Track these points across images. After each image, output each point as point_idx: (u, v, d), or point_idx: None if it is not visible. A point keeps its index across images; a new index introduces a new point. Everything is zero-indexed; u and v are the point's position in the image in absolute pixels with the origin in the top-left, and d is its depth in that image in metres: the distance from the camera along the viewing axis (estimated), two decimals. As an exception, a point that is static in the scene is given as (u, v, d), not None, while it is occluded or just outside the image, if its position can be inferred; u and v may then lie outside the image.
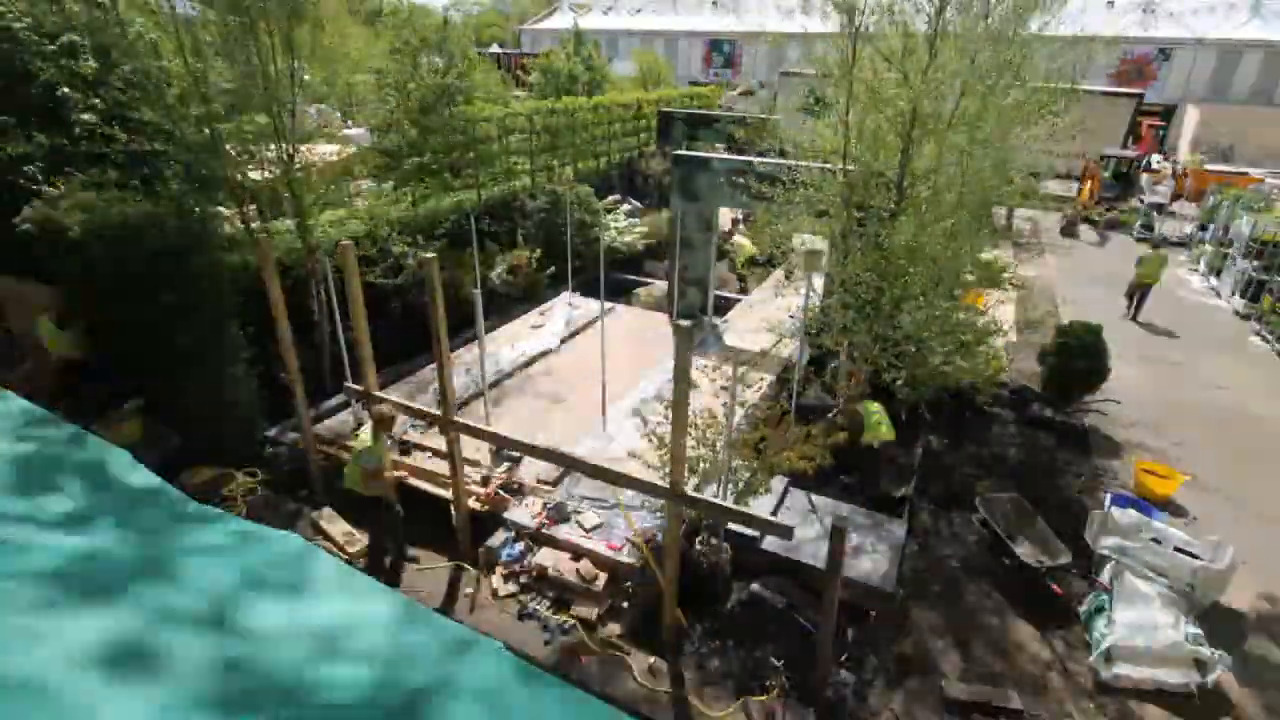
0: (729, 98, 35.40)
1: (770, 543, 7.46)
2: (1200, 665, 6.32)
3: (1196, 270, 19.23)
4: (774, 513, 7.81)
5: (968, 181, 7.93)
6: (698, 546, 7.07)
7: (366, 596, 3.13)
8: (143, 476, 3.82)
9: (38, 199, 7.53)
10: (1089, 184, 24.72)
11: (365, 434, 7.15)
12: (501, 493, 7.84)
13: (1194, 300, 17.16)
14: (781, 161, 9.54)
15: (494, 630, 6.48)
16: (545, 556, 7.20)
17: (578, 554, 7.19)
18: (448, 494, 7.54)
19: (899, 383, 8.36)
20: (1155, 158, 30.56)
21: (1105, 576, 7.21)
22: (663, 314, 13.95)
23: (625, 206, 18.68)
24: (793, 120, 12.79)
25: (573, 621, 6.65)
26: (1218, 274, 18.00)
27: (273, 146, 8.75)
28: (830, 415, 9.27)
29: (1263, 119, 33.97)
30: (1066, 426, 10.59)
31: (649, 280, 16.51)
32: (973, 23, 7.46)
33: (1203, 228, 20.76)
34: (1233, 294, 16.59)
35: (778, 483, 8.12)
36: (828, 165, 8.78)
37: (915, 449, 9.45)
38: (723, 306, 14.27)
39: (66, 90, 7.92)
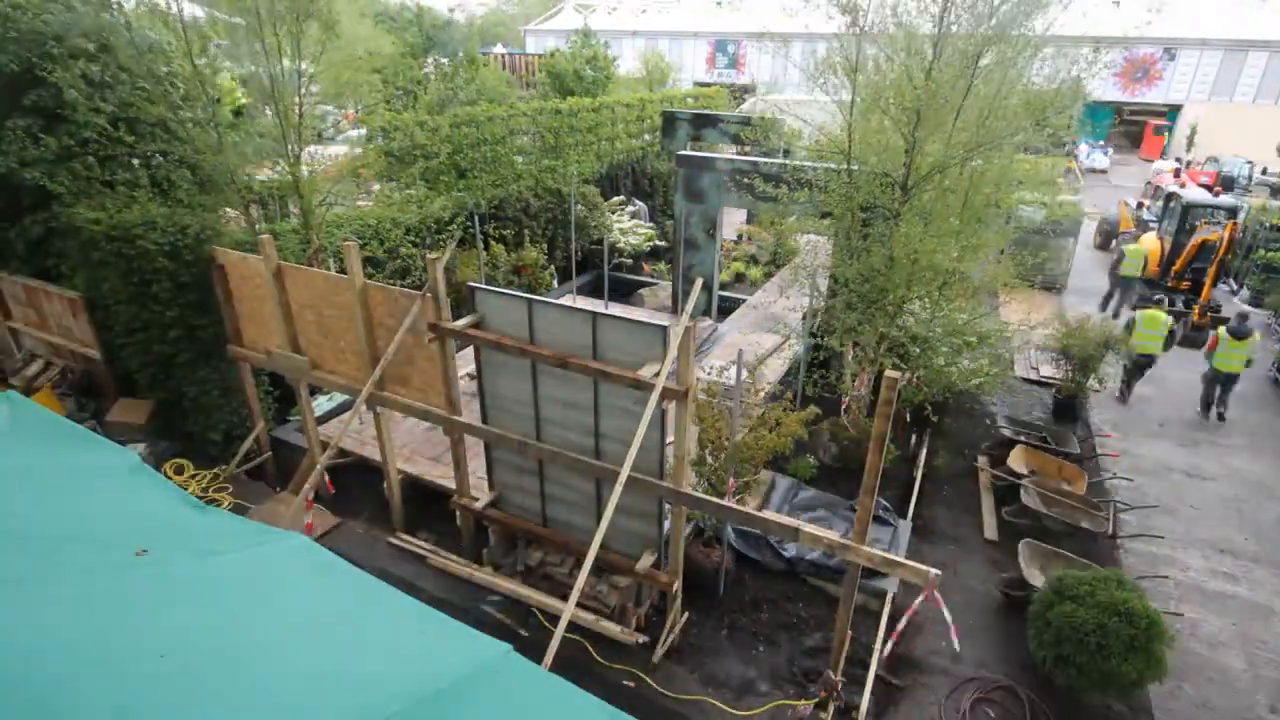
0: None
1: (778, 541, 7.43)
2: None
3: None
4: (761, 506, 7.79)
5: (973, 182, 7.89)
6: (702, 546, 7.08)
7: (373, 596, 3.15)
8: (153, 478, 3.85)
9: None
10: None
11: None
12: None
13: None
14: (786, 162, 9.53)
15: (497, 630, 6.49)
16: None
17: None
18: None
19: (904, 382, 8.33)
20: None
21: None
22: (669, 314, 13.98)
23: (630, 207, 18.65)
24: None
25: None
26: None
27: (279, 148, 8.77)
28: (835, 416, 9.26)
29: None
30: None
31: (654, 280, 16.49)
32: (976, 22, 7.41)
33: None
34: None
35: (766, 475, 8.10)
36: (832, 165, 8.76)
37: (920, 451, 9.44)
38: (728, 308, 14.25)
39: (74, 92, 7.95)
